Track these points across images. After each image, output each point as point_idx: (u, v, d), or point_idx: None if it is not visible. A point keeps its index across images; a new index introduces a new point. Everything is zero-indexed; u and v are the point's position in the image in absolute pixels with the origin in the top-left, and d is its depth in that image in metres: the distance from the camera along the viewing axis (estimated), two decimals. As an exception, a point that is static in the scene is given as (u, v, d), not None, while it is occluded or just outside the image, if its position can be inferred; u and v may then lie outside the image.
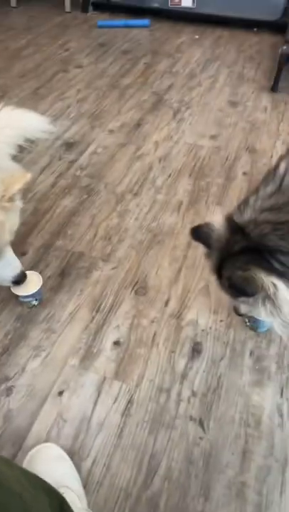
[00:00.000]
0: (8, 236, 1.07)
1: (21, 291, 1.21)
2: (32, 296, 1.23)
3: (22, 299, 1.24)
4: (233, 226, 0.91)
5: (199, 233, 0.98)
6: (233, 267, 0.89)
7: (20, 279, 1.17)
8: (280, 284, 0.83)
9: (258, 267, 0.84)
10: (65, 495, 0.77)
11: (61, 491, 0.79)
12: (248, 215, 0.88)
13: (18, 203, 1.10)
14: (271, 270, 0.84)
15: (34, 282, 1.23)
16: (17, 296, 1.24)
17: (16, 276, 1.15)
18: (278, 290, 0.83)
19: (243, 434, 1.02)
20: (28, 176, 1.06)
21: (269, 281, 0.83)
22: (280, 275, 0.83)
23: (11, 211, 1.06)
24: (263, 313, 0.89)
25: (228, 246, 0.90)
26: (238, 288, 0.87)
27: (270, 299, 0.85)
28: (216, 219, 0.96)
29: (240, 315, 1.15)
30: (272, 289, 0.84)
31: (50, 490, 0.72)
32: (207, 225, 0.97)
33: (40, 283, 1.23)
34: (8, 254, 1.13)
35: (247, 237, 0.87)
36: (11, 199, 1.03)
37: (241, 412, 1.06)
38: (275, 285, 0.84)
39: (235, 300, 0.98)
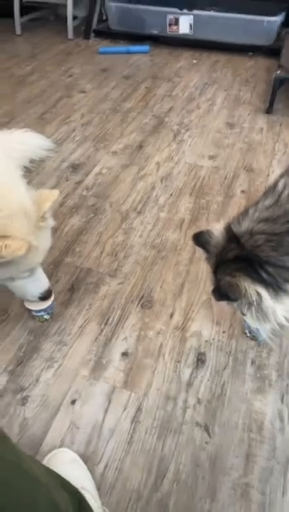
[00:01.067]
0: (41, 257, 1.11)
1: (34, 305, 1.28)
2: (44, 310, 1.30)
3: (35, 313, 1.31)
4: (230, 235, 0.98)
5: (200, 239, 1.07)
6: (224, 272, 0.97)
7: (47, 296, 1.22)
8: (264, 293, 0.90)
9: (245, 275, 0.92)
10: (81, 495, 0.82)
11: (77, 491, 0.84)
12: (245, 225, 0.96)
13: (50, 222, 1.12)
14: (257, 279, 0.91)
15: None
16: (30, 311, 1.31)
17: (44, 293, 1.20)
18: (262, 299, 0.91)
19: (247, 439, 1.07)
20: (57, 193, 1.09)
21: (253, 289, 0.91)
22: (267, 285, 0.91)
23: (44, 230, 1.10)
24: (249, 319, 0.97)
25: (223, 253, 0.98)
26: (222, 292, 0.96)
27: (253, 306, 0.93)
28: (217, 227, 1.04)
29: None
30: (254, 297, 0.91)
31: (70, 487, 0.77)
32: (208, 232, 1.06)
33: (52, 298, 1.30)
34: (39, 272, 1.18)
35: (241, 247, 0.94)
36: (44, 218, 1.07)
37: (244, 418, 1.12)
38: (259, 294, 0.91)
39: (218, 302, 1.06)
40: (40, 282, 1.19)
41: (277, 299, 0.92)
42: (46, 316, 1.33)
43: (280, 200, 0.94)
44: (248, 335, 1.29)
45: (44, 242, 1.11)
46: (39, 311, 1.30)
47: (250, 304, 0.93)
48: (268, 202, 0.95)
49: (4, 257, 0.95)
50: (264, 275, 0.90)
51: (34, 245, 1.03)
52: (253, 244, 0.92)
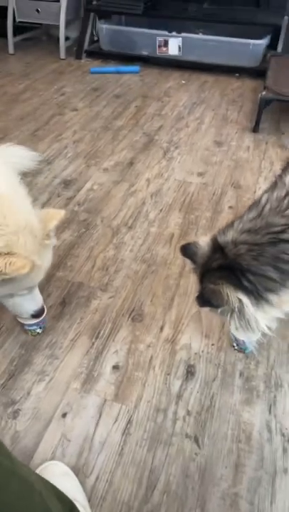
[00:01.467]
0: (43, 275, 1.13)
1: (27, 319, 1.30)
2: (36, 324, 1.32)
3: (27, 327, 1.33)
4: (216, 245, 1.03)
5: (187, 250, 1.11)
6: (208, 281, 1.01)
7: (39, 313, 1.25)
8: (246, 300, 0.95)
9: (227, 282, 0.96)
10: (72, 507, 0.83)
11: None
12: (229, 235, 1.01)
13: (54, 240, 1.14)
14: (239, 287, 0.96)
15: None
16: (22, 325, 1.33)
17: (37, 310, 1.23)
18: (244, 306, 0.95)
19: (235, 449, 1.09)
20: (63, 213, 1.12)
21: (235, 296, 0.95)
22: (248, 292, 0.95)
23: (48, 249, 1.11)
24: (232, 327, 1.00)
25: (208, 262, 1.03)
26: (205, 299, 1.00)
27: (235, 313, 0.97)
28: (204, 239, 1.09)
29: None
30: (236, 304, 0.96)
31: (62, 496, 0.78)
32: (194, 243, 1.10)
33: (45, 312, 1.32)
34: (36, 290, 1.20)
35: (225, 256, 0.99)
36: (49, 236, 1.09)
37: (233, 429, 1.14)
38: (240, 301, 0.95)
39: (202, 308, 1.10)
40: (35, 301, 1.21)
41: (258, 307, 0.96)
42: (38, 330, 1.35)
43: (263, 213, 0.99)
44: (236, 347, 1.32)
45: (46, 260, 1.13)
46: (31, 325, 1.31)
47: (232, 311, 0.97)
48: (252, 215, 1.01)
49: (7, 274, 0.97)
50: (245, 283, 0.95)
51: (37, 264, 1.05)
52: (235, 253, 0.97)
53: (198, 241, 1.09)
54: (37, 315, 1.25)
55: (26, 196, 1.13)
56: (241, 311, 0.95)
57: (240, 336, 1.21)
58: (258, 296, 0.95)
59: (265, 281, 0.94)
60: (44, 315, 1.32)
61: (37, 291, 1.21)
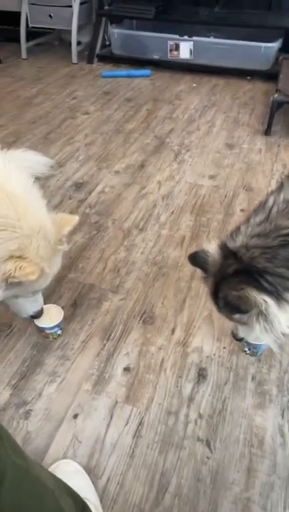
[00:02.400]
0: (50, 280, 1.12)
1: (47, 323, 1.30)
2: (57, 326, 1.31)
3: (48, 331, 1.32)
4: (226, 251, 1.01)
5: (196, 259, 1.09)
6: (227, 288, 0.99)
7: (38, 314, 1.26)
8: (270, 301, 0.93)
9: (250, 286, 0.94)
10: (84, 505, 0.83)
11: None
12: (240, 240, 0.99)
13: (65, 246, 1.14)
14: (261, 288, 0.94)
15: (56, 313, 1.33)
16: (42, 330, 1.32)
17: (36, 312, 1.24)
18: (269, 306, 0.93)
19: (248, 454, 1.08)
20: (77, 219, 1.11)
21: (261, 298, 0.93)
22: (269, 293, 0.94)
23: (58, 254, 1.10)
24: (258, 330, 0.98)
25: (222, 269, 1.01)
26: (234, 306, 0.97)
27: (262, 314, 0.95)
28: (211, 246, 1.07)
29: (239, 340, 1.24)
30: (264, 306, 0.94)
31: (74, 495, 0.78)
32: (203, 251, 1.08)
33: (62, 312, 1.33)
34: (39, 294, 1.21)
35: (239, 260, 0.97)
36: (61, 241, 1.08)
37: (245, 433, 1.12)
38: (266, 302, 0.94)
39: (230, 318, 1.08)
40: (37, 302, 1.22)
41: (280, 307, 0.94)
42: (59, 332, 1.34)
43: (270, 216, 0.98)
44: (248, 352, 1.30)
45: (56, 265, 1.12)
46: (53, 327, 1.31)
47: (258, 314, 0.95)
48: (259, 218, 0.99)
49: (16, 278, 0.97)
50: (265, 284, 0.94)
51: (46, 271, 1.04)
52: (250, 257, 0.96)
53: (207, 248, 1.07)
54: (35, 316, 1.26)
55: (41, 199, 1.13)
56: (266, 313, 0.94)
57: (256, 339, 1.19)
58: (278, 297, 0.94)
59: (284, 281, 0.93)
60: (62, 315, 1.33)
61: (40, 294, 1.22)
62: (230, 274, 0.99)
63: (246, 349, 1.30)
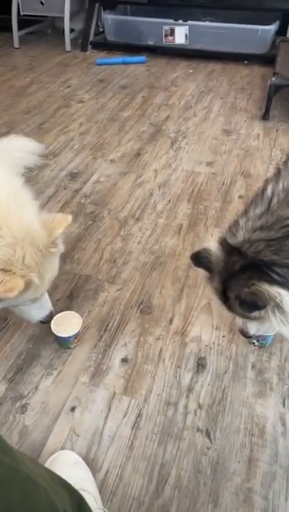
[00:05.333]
0: (47, 286, 1.06)
1: (68, 332, 1.24)
2: (77, 334, 1.26)
3: (70, 340, 1.25)
4: (228, 248, 0.96)
5: (200, 259, 1.03)
6: (237, 286, 0.94)
7: (48, 320, 1.20)
8: (283, 292, 0.89)
9: (260, 280, 0.90)
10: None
11: (79, 493, 0.83)
12: (241, 236, 0.94)
13: (61, 247, 1.07)
14: (272, 281, 0.90)
15: (73, 323, 1.26)
16: (62, 341, 1.26)
17: (45, 317, 1.18)
18: (283, 298, 0.89)
19: (248, 443, 1.06)
20: (70, 219, 1.03)
21: (274, 290, 0.89)
22: (281, 285, 0.90)
23: (53, 257, 1.04)
24: (275, 323, 0.93)
25: (228, 267, 0.95)
26: (250, 303, 0.91)
27: (279, 307, 0.90)
28: (212, 244, 1.01)
29: (248, 337, 1.19)
30: (279, 297, 0.89)
31: (69, 488, 0.77)
32: (205, 250, 1.02)
33: (80, 321, 1.27)
34: (44, 298, 1.14)
35: (244, 256, 0.92)
36: (55, 244, 1.01)
37: (246, 422, 1.11)
38: (279, 293, 0.89)
39: (246, 317, 1.03)
40: (43, 308, 1.16)
41: None
42: (73, 342, 1.28)
43: (271, 207, 0.93)
44: (256, 344, 1.27)
45: (51, 269, 1.05)
46: (70, 337, 1.25)
47: (274, 307, 0.90)
48: (259, 210, 0.94)
49: None
50: (275, 276, 0.89)
51: (35, 282, 0.97)
52: (255, 251, 0.91)
53: (208, 247, 1.01)
54: (45, 322, 1.20)
55: (30, 201, 1.04)
56: (281, 305, 0.89)
57: (266, 331, 1.16)
58: None
59: None
60: (80, 327, 1.25)
61: (45, 298, 1.15)
62: (237, 270, 0.94)
63: (254, 341, 1.26)
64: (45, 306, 1.17)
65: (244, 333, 1.17)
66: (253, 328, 1.19)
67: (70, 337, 1.24)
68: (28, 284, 0.95)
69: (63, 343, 1.27)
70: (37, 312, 1.16)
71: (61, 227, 1.02)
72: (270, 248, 0.90)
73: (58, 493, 0.67)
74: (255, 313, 0.97)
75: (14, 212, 0.96)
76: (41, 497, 0.58)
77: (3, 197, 0.96)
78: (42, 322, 1.20)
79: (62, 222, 1.02)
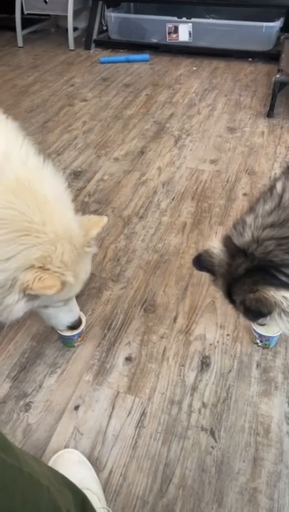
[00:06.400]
0: (80, 287, 1.05)
1: (72, 331, 1.22)
2: (78, 334, 1.24)
3: (74, 339, 1.25)
4: (233, 249, 0.92)
5: (202, 263, 0.99)
6: (242, 291, 0.91)
7: (76, 325, 1.19)
8: None
9: (266, 285, 0.87)
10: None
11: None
12: (248, 235, 0.90)
13: (94, 248, 1.05)
14: (279, 285, 0.86)
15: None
16: (66, 340, 1.26)
17: (74, 322, 1.17)
18: None
19: (253, 442, 1.05)
20: (105, 220, 1.04)
21: (280, 296, 0.86)
22: None
23: (87, 257, 1.03)
24: (281, 326, 0.91)
25: (232, 270, 0.92)
26: (254, 311, 0.89)
27: (285, 312, 0.88)
28: (214, 244, 0.98)
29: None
30: (285, 303, 0.86)
31: (73, 487, 0.76)
32: (206, 252, 0.98)
33: (84, 319, 1.26)
34: (73, 302, 1.13)
35: (251, 258, 0.89)
36: (89, 244, 1.01)
37: (251, 422, 1.10)
38: (286, 298, 0.86)
39: (254, 322, 1.00)
40: (72, 312, 1.15)
41: None
42: (76, 341, 1.28)
43: (282, 203, 0.88)
44: (260, 344, 1.25)
45: (85, 269, 1.04)
46: (74, 335, 1.24)
47: (281, 313, 0.88)
48: (269, 207, 0.90)
49: (33, 290, 0.89)
50: (283, 278, 0.86)
51: (70, 281, 0.96)
52: (263, 251, 0.87)
53: (210, 249, 0.98)
54: (74, 327, 1.19)
55: (69, 199, 1.03)
56: (287, 311, 0.86)
57: (270, 332, 1.14)
58: None
59: None
60: (84, 325, 1.25)
61: (74, 302, 1.14)
62: (242, 274, 0.90)
63: (258, 341, 1.25)
64: (74, 310, 1.16)
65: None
66: (260, 329, 1.18)
67: (74, 335, 1.24)
68: (64, 283, 0.94)
69: (67, 342, 1.27)
70: (65, 316, 1.14)
71: (97, 228, 1.02)
72: (282, 247, 0.86)
73: (61, 493, 0.66)
74: (262, 320, 0.95)
75: (58, 209, 0.96)
76: (44, 497, 0.57)
77: (52, 194, 0.96)
78: (69, 328, 1.18)
79: (99, 223, 1.03)
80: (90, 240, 1.01)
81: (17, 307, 0.95)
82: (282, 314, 0.89)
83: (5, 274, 0.89)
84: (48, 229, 0.92)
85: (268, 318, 0.91)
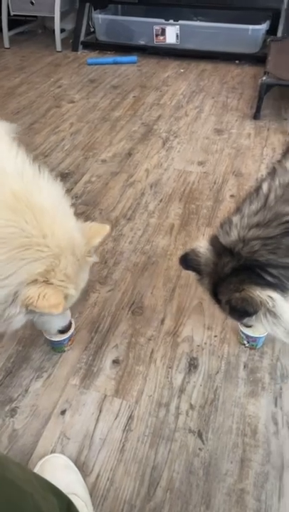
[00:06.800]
0: (78, 296, 1.02)
1: (61, 335, 1.21)
2: (68, 338, 1.24)
3: (64, 343, 1.24)
4: (220, 248, 0.93)
5: (188, 262, 1.00)
6: (228, 290, 0.91)
7: (66, 329, 1.19)
8: (275, 295, 0.87)
9: (252, 284, 0.87)
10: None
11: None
12: (234, 234, 0.91)
13: (94, 258, 1.03)
14: (265, 284, 0.87)
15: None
16: (50, 342, 1.25)
17: (65, 326, 1.16)
18: (275, 301, 0.87)
19: (241, 443, 1.05)
20: (108, 229, 1.00)
21: (265, 295, 0.87)
22: (274, 287, 0.87)
23: (87, 266, 1.00)
24: (266, 326, 0.92)
25: (218, 269, 0.93)
26: (240, 311, 0.89)
27: (270, 312, 0.88)
28: (201, 244, 0.98)
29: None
30: (270, 303, 0.87)
31: (58, 493, 0.75)
32: (193, 252, 0.99)
33: (72, 322, 1.25)
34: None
35: (237, 257, 0.89)
36: (90, 253, 0.98)
37: (238, 423, 1.10)
38: (271, 298, 0.87)
39: (240, 322, 1.01)
40: (64, 317, 1.14)
41: (286, 299, 0.88)
42: (66, 346, 1.27)
43: (268, 203, 0.90)
44: (247, 345, 1.25)
45: (84, 279, 1.01)
46: (64, 340, 1.23)
47: (266, 312, 0.88)
48: (255, 207, 0.91)
49: (37, 308, 0.85)
50: (269, 278, 0.87)
51: (72, 294, 0.94)
52: (249, 251, 0.88)
53: (197, 248, 0.99)
54: (63, 330, 1.18)
55: (69, 208, 0.99)
56: (274, 310, 0.87)
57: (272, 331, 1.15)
58: (284, 289, 0.87)
59: (288, 272, 0.87)
60: (73, 328, 1.24)
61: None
62: (228, 273, 0.91)
63: (245, 342, 1.25)
64: (66, 315, 1.15)
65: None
66: (247, 330, 1.19)
67: (64, 340, 1.23)
68: (66, 296, 0.92)
69: (58, 347, 1.25)
70: (58, 322, 1.12)
71: (100, 237, 0.99)
72: (267, 247, 0.87)
73: (46, 499, 0.65)
74: (246, 320, 0.96)
75: (59, 219, 0.91)
76: (28, 504, 0.56)
77: (50, 204, 0.91)
78: (60, 332, 1.17)
79: (101, 231, 1.00)
80: (90, 249, 0.98)
81: (16, 319, 0.93)
82: (268, 314, 0.90)
83: (7, 289, 0.86)
84: (49, 242, 0.88)
85: (254, 318, 0.92)
